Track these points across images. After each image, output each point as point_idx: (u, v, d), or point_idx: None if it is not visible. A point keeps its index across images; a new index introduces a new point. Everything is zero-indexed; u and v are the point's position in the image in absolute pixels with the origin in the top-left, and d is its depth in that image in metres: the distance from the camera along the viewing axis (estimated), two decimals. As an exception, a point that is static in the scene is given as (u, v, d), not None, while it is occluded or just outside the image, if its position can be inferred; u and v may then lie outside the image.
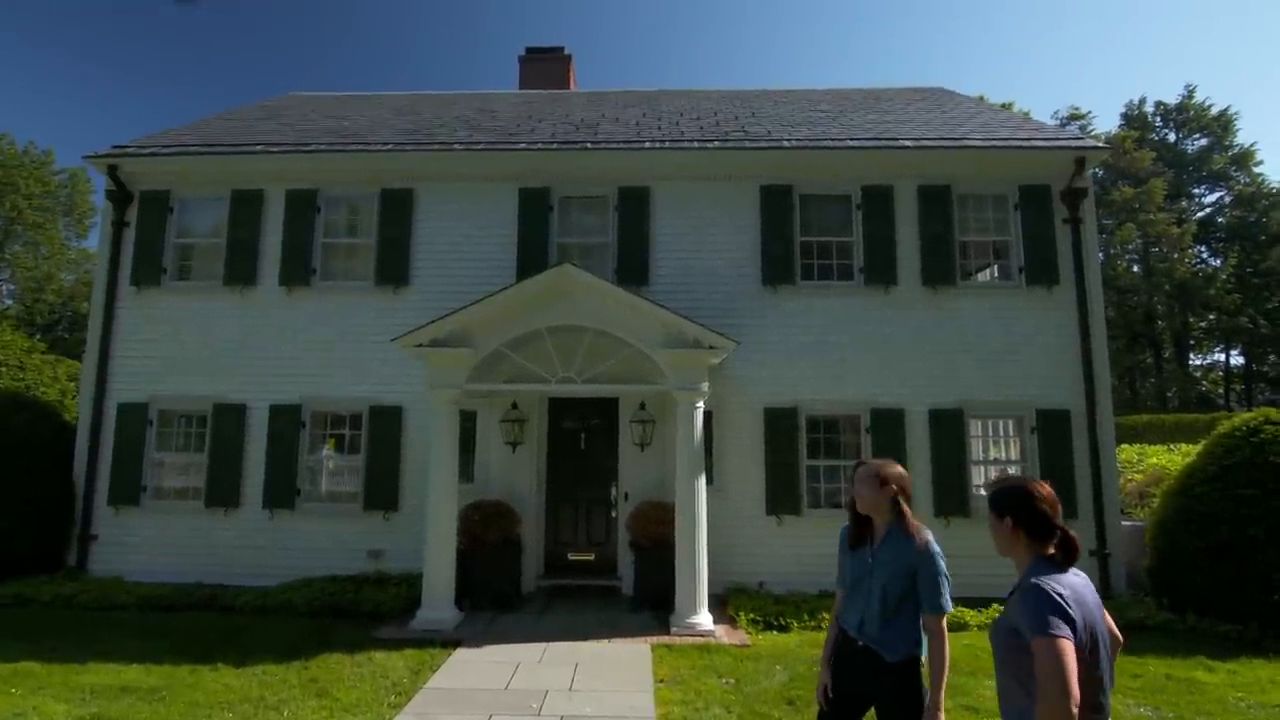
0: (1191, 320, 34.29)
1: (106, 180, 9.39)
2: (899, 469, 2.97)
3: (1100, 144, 9.54)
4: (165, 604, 7.54)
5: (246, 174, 9.33)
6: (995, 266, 9.34)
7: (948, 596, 2.75)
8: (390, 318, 8.65)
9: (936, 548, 2.81)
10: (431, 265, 9.04)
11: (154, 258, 9.26)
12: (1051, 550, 2.12)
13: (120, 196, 9.37)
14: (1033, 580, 2.04)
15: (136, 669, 5.55)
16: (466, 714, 4.80)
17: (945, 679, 2.67)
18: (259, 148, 9.36)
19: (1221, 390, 36.19)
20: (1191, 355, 36.20)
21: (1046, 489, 2.21)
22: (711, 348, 7.11)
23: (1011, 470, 8.83)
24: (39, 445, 8.60)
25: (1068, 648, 1.87)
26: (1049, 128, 10.50)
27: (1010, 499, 2.21)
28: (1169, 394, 33.90)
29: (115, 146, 9.65)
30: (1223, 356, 36.88)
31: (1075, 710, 1.81)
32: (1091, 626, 1.99)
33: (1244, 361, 35.35)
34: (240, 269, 9.15)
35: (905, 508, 2.89)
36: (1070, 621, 1.92)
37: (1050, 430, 8.52)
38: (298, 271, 9.10)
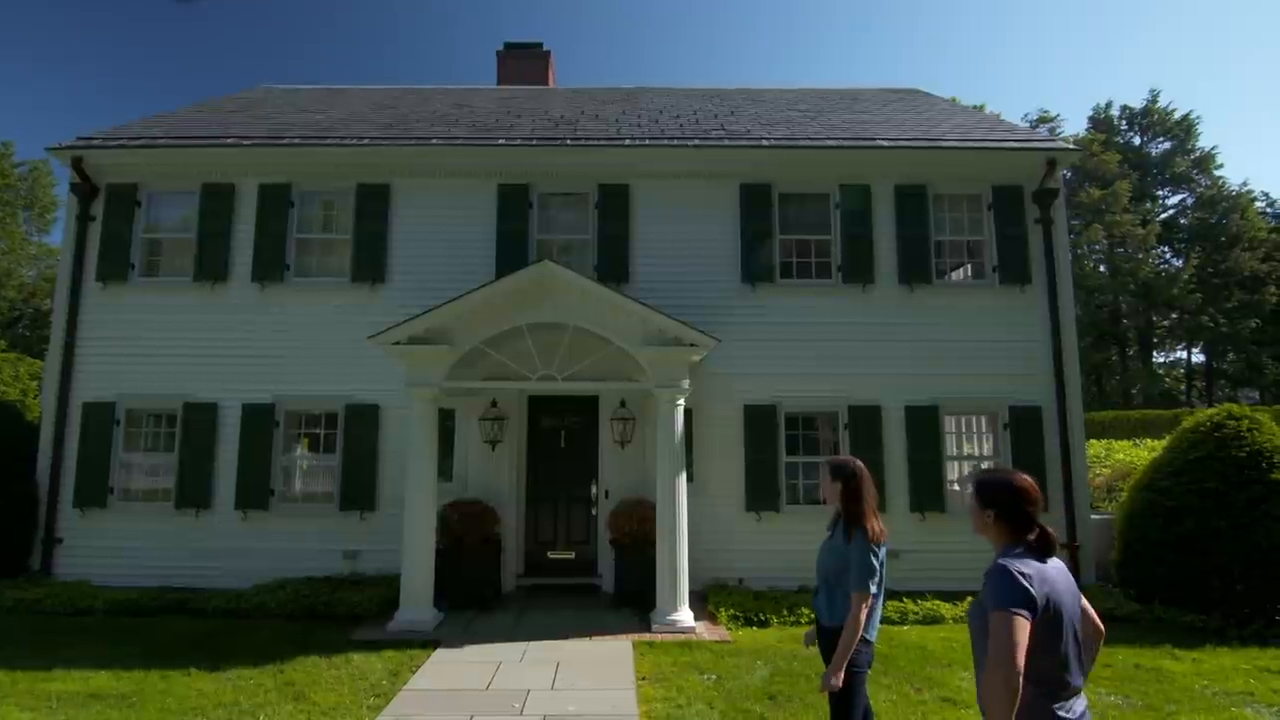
0: (1155, 319, 35.24)
1: (71, 173, 9.11)
2: (851, 464, 3.35)
3: (1071, 146, 9.74)
4: (134, 608, 7.35)
5: (218, 167, 9.12)
6: (969, 266, 9.49)
7: (867, 580, 3.12)
8: (367, 315, 8.52)
9: (870, 539, 3.16)
10: (409, 262, 8.92)
11: (121, 252, 9.01)
12: (1031, 537, 2.19)
13: (85, 189, 9.09)
14: (999, 561, 2.12)
15: (105, 675, 5.40)
16: (447, 715, 4.75)
17: (849, 649, 3.08)
18: (230, 140, 9.15)
19: (1183, 387, 37.26)
20: (1155, 353, 37.22)
21: (1030, 484, 2.25)
22: (692, 345, 7.13)
23: (984, 466, 9.00)
24: (-1, 446, 8.33)
25: (1020, 623, 1.95)
26: (1021, 129, 10.70)
27: (995, 493, 2.26)
28: (1133, 391, 34.80)
29: (80, 137, 9.37)
30: (1184, 354, 37.99)
31: (1017, 681, 1.89)
32: (1057, 607, 2.04)
33: (1205, 359, 36.42)
34: (211, 265, 8.94)
35: (859, 500, 3.25)
36: (1030, 600, 1.99)
37: (1022, 426, 8.69)
38: (271, 268, 8.92)
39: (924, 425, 8.65)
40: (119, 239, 9.03)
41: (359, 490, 8.51)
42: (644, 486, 8.19)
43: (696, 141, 9.17)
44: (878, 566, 3.14)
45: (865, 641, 3.15)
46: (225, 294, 8.90)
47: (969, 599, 7.71)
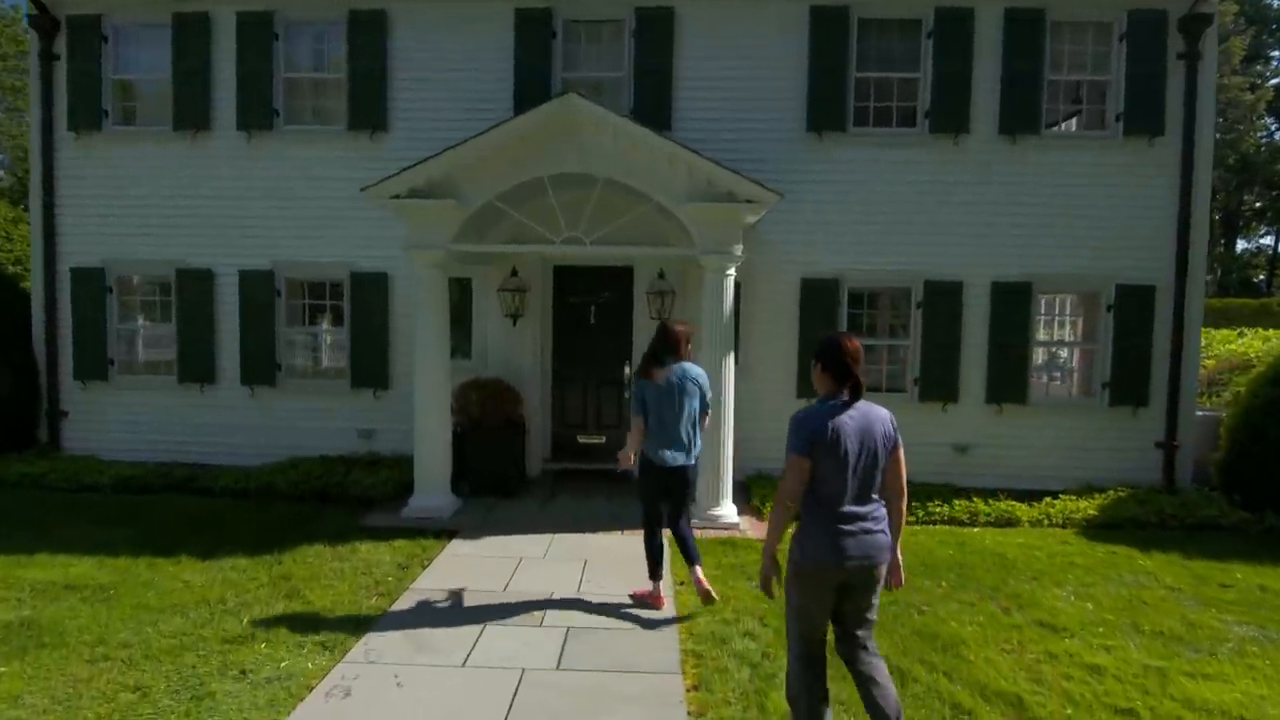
0: (1247, 199, 31.81)
1: (27, 2, 7.86)
2: (666, 325, 4.36)
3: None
4: (140, 485, 6.95)
5: (187, -10, 7.75)
6: (1086, 113, 7.81)
7: (633, 410, 4.36)
8: (367, 169, 7.26)
9: (638, 378, 4.36)
10: (413, 106, 7.64)
11: (92, 97, 7.90)
12: (846, 393, 2.64)
13: (45, 23, 7.86)
14: (795, 413, 2.71)
15: (89, 562, 4.92)
16: (455, 626, 4.09)
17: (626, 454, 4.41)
18: (199, -44, 7.70)
19: (1263, 275, 34.29)
20: (1238, 238, 33.98)
21: (854, 344, 2.68)
22: (749, 202, 5.89)
23: (1075, 352, 7.83)
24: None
25: (796, 463, 2.61)
26: (1167, -62, 8.50)
27: (824, 349, 2.70)
28: (1208, 277, 32.13)
29: (30, -43, 8.02)
30: (1270, 239, 34.65)
31: (787, 508, 2.68)
32: (839, 443, 2.56)
33: (1296, 246, 33.21)
34: (190, 111, 7.79)
35: (650, 351, 4.34)
36: (806, 445, 2.58)
37: (1129, 307, 7.38)
38: (257, 114, 7.73)
39: (1013, 305, 7.40)
40: (88, 80, 7.89)
41: (371, 367, 7.78)
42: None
43: (758, -51, 7.39)
44: (639, 400, 4.25)
45: (650, 462, 4.30)
46: (208, 144, 7.80)
47: (1046, 499, 6.88)
